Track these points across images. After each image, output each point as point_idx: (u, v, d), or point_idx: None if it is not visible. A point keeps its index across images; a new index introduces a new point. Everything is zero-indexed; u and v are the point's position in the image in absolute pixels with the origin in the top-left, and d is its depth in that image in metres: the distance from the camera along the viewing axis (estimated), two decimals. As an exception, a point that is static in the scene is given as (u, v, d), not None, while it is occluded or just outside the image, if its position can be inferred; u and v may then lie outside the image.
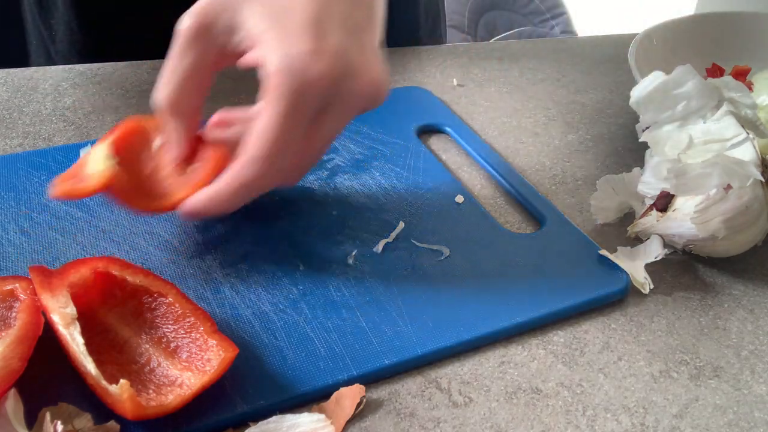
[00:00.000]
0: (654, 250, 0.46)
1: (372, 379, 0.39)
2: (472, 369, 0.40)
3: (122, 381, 0.33)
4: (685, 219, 0.45)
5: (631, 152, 0.60)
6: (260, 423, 0.35)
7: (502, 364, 0.41)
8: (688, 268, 0.48)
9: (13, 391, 0.34)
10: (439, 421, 0.37)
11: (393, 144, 0.57)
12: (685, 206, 0.45)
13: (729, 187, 0.44)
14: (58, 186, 0.43)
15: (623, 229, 0.51)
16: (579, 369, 0.41)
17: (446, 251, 0.47)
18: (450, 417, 0.38)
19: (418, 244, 0.47)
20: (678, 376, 0.41)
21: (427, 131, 0.60)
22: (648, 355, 0.42)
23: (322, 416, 0.36)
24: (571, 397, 0.39)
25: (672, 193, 0.46)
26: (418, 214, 0.50)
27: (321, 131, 0.43)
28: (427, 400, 0.38)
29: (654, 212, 0.47)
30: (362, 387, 0.37)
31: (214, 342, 0.37)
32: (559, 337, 0.42)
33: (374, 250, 0.47)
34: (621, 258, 0.46)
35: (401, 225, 0.48)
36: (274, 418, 0.36)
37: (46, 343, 0.37)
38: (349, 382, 0.38)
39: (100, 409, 0.35)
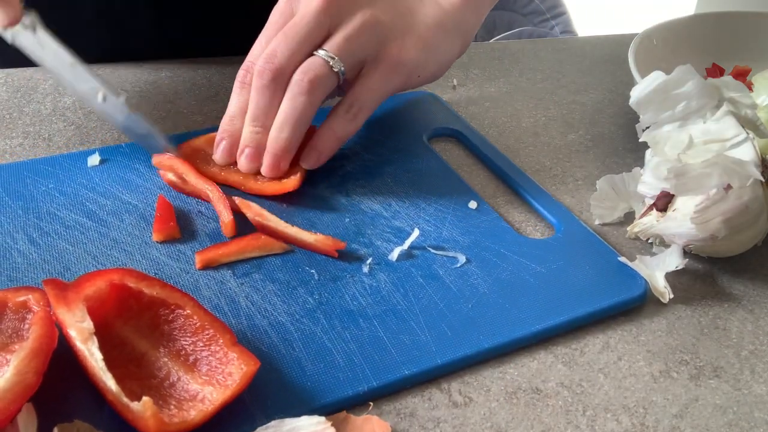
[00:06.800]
0: (674, 260, 0.45)
1: (393, 389, 0.38)
2: (472, 369, 0.40)
3: (145, 398, 0.32)
4: (685, 219, 0.45)
5: (631, 152, 0.60)
6: (259, 428, 0.35)
7: (502, 364, 0.41)
8: (688, 268, 0.48)
9: (27, 405, 0.33)
10: (439, 421, 0.37)
11: (404, 150, 0.56)
12: (685, 206, 0.45)
13: (729, 187, 0.44)
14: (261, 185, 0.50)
15: (623, 230, 0.51)
16: (579, 369, 0.41)
17: (462, 258, 0.46)
18: (450, 417, 0.37)
19: (433, 251, 0.46)
20: (678, 376, 0.41)
21: (438, 137, 0.60)
22: (648, 355, 0.42)
23: (322, 419, 0.35)
24: (571, 397, 0.39)
25: (672, 193, 0.46)
26: (432, 220, 0.49)
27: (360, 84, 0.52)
28: (427, 400, 0.38)
29: (654, 212, 0.47)
30: (389, 427, 0.36)
31: (235, 355, 0.36)
32: (559, 336, 0.42)
33: (389, 258, 0.46)
34: (640, 266, 0.46)
35: (416, 232, 0.47)
36: (273, 422, 0.35)
37: (61, 356, 0.36)
38: (369, 394, 0.37)
39: (117, 427, 0.34)
